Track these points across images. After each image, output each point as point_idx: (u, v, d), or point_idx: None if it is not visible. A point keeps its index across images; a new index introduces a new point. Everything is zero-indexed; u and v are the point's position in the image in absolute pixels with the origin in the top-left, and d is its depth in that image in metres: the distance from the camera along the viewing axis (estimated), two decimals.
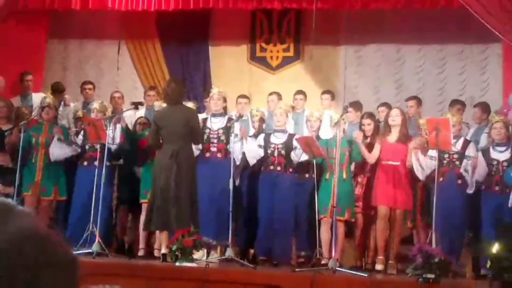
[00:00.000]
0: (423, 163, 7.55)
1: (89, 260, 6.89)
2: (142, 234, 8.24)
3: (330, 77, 10.47)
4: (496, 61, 9.86)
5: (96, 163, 8.04)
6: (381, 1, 9.30)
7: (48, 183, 8.36)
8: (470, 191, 7.59)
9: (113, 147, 8.17)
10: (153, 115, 8.15)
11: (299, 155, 7.81)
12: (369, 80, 10.45)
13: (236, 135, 7.86)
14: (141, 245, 8.27)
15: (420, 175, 7.62)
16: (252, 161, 8.05)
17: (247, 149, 7.98)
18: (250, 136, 8.21)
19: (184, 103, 7.93)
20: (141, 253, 8.22)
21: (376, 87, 10.41)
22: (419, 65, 10.38)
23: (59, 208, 8.67)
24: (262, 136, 8.13)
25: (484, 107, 8.75)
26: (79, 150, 8.41)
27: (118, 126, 8.32)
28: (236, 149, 7.86)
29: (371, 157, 7.73)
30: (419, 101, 8.97)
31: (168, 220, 7.37)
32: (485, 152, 7.67)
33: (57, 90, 9.70)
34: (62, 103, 9.59)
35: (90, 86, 9.93)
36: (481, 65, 10.10)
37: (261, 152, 8.00)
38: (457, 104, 8.75)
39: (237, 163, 7.97)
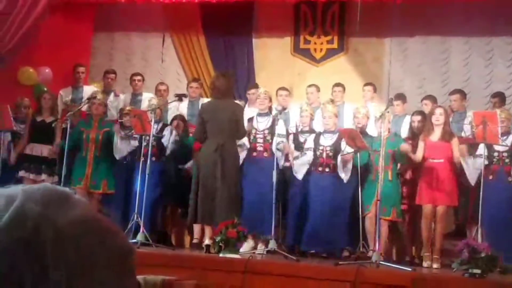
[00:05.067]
0: (471, 167, 7.49)
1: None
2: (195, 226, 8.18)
3: (374, 70, 10.38)
4: None
5: (136, 157, 8.25)
6: None
7: (97, 177, 8.56)
8: None
9: (167, 149, 8.33)
10: (199, 108, 8.17)
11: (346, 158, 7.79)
12: (414, 72, 10.32)
13: (279, 140, 7.84)
14: (196, 235, 8.06)
15: (472, 181, 7.55)
16: (300, 175, 7.98)
17: (296, 168, 7.96)
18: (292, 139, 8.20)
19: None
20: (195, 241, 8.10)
21: (421, 80, 10.28)
22: (465, 57, 10.21)
23: (103, 201, 8.81)
24: (312, 137, 8.10)
25: None
26: (137, 143, 8.43)
27: (173, 135, 8.35)
28: (280, 164, 7.87)
29: (417, 158, 7.71)
30: (463, 95, 8.85)
31: (212, 212, 7.39)
32: None
33: (107, 72, 10.08)
34: (112, 93, 9.84)
35: (139, 77, 10.06)
36: None
37: (310, 158, 7.97)
38: (496, 97, 8.61)
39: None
